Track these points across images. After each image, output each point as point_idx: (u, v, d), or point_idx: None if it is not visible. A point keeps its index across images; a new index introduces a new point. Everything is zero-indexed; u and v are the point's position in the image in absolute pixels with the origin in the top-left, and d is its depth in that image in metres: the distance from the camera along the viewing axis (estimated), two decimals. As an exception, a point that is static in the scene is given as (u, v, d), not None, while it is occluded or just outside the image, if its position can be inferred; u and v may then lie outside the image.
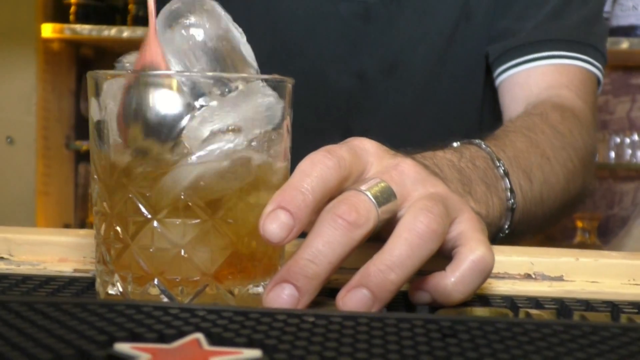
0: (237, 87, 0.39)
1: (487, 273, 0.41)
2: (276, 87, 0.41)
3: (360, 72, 0.81)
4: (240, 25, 0.42)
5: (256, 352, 0.26)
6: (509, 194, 0.58)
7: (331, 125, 0.81)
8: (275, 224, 0.37)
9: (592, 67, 0.79)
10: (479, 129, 0.84)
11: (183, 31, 0.39)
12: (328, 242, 0.37)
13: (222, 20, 0.41)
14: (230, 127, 0.39)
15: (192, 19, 0.40)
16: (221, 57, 0.41)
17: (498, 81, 0.81)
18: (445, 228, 0.40)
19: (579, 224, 1.86)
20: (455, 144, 0.59)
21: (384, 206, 0.39)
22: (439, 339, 0.28)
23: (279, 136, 0.41)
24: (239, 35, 0.41)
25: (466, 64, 0.82)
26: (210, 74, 0.40)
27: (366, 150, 0.42)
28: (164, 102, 0.38)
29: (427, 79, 0.82)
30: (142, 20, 1.84)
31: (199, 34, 0.40)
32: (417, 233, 0.38)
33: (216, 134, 0.39)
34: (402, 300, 0.43)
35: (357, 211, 0.38)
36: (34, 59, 1.76)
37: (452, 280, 0.40)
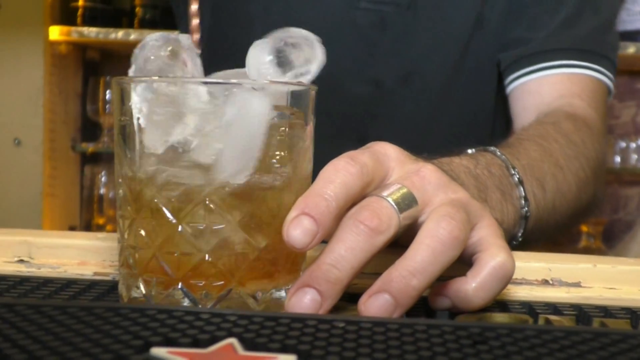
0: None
1: (507, 279, 0.41)
2: (300, 93, 0.41)
3: (377, 80, 0.82)
4: (257, 36, 0.43)
5: (291, 357, 0.26)
6: (523, 202, 0.58)
7: (346, 132, 0.82)
8: (299, 229, 0.37)
9: (603, 76, 0.79)
10: (491, 137, 0.84)
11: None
12: (350, 248, 0.38)
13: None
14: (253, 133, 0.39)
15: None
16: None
17: (509, 89, 0.81)
18: (467, 234, 0.40)
19: (584, 228, 1.86)
20: (470, 151, 0.60)
21: (405, 212, 0.40)
22: (469, 346, 0.28)
23: (302, 142, 0.42)
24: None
25: (479, 72, 0.83)
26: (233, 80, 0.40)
27: (388, 156, 0.42)
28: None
29: (442, 87, 0.82)
30: (148, 23, 1.84)
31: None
32: (439, 239, 0.39)
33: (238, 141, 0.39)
34: (421, 305, 0.44)
35: (379, 217, 0.38)
36: (42, 61, 1.77)
37: (473, 286, 0.40)
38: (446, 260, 0.39)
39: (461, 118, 0.84)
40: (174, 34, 0.42)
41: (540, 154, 0.64)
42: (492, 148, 0.60)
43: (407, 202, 0.40)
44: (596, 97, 0.78)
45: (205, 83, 0.39)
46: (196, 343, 0.28)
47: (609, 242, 1.94)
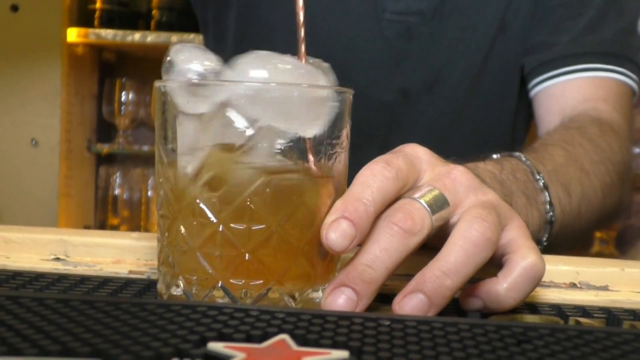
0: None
1: (538, 280, 0.42)
2: (338, 97, 0.42)
3: (403, 89, 0.83)
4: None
5: (344, 353, 0.27)
6: (548, 207, 0.59)
7: (370, 139, 0.82)
8: (338, 232, 0.38)
9: (628, 79, 0.79)
10: (512, 141, 0.85)
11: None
12: (385, 249, 0.39)
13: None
14: (296, 136, 0.40)
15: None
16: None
17: (533, 93, 0.82)
18: (498, 236, 0.41)
19: (597, 233, 1.86)
20: (495, 156, 0.60)
21: (437, 214, 0.41)
22: (514, 345, 0.29)
23: (340, 144, 0.42)
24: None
25: (502, 77, 0.83)
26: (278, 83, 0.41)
27: (420, 159, 0.43)
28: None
29: (465, 92, 0.83)
30: (165, 25, 1.86)
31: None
32: (472, 241, 0.40)
33: (282, 143, 0.40)
34: (453, 307, 0.44)
35: (413, 219, 0.39)
36: (59, 63, 1.78)
37: (505, 287, 0.41)
38: (479, 261, 0.40)
39: (483, 123, 0.84)
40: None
41: (566, 159, 0.65)
42: (517, 153, 0.61)
43: (439, 203, 0.41)
44: (621, 101, 0.78)
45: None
46: (249, 339, 0.29)
47: (622, 247, 1.94)
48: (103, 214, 2.00)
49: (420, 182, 0.43)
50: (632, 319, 0.43)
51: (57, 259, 0.52)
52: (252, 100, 0.38)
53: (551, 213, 0.59)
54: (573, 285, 0.50)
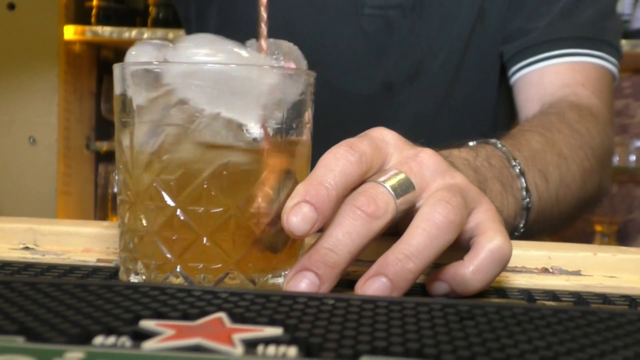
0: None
1: (504, 262, 0.41)
2: (299, 79, 0.41)
3: (385, 83, 0.82)
4: None
5: (277, 330, 0.27)
6: (524, 193, 0.58)
7: (353, 133, 0.82)
8: (299, 216, 0.37)
9: (607, 63, 0.79)
10: (494, 130, 0.84)
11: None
12: (348, 233, 0.38)
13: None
14: (247, 117, 0.40)
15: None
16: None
17: (512, 80, 0.81)
18: (463, 219, 0.41)
19: (598, 228, 1.85)
20: (471, 144, 0.60)
21: (402, 197, 0.40)
22: (456, 322, 0.28)
23: (300, 127, 0.42)
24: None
25: (482, 66, 0.83)
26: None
27: (386, 142, 0.43)
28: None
29: (447, 83, 0.83)
30: (161, 22, 1.86)
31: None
32: (435, 224, 0.39)
33: (239, 123, 0.40)
34: (419, 291, 0.44)
35: (376, 203, 0.39)
36: (56, 60, 1.78)
37: (471, 269, 0.41)
38: (442, 244, 0.39)
39: (465, 113, 0.84)
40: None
41: (543, 145, 0.64)
42: (493, 140, 0.60)
43: (404, 187, 0.41)
44: (601, 85, 0.78)
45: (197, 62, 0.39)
46: (186, 317, 0.28)
47: (624, 242, 1.93)
48: (102, 212, 2.00)
49: (386, 165, 0.43)
50: (601, 303, 0.43)
51: (26, 247, 0.51)
52: (195, 81, 0.38)
53: (528, 199, 0.58)
54: (545, 270, 0.49)
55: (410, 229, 0.40)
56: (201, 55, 0.39)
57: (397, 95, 0.82)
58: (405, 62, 0.82)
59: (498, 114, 0.85)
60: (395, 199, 0.40)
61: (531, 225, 0.60)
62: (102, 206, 2.00)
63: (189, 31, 0.93)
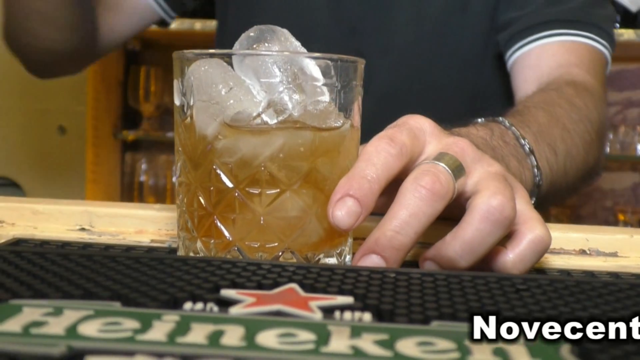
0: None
1: (544, 251, 0.43)
2: (348, 67, 0.43)
3: (358, 51, 0.85)
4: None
5: (349, 299, 0.29)
6: (536, 170, 0.60)
7: None
8: (343, 210, 0.38)
9: (598, 44, 0.82)
10: (471, 112, 0.87)
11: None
12: (414, 214, 0.38)
13: (292, 45, 0.44)
14: (304, 102, 0.42)
15: (267, 44, 0.44)
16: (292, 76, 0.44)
17: (509, 64, 0.85)
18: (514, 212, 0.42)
19: (621, 217, 1.85)
20: (480, 120, 0.61)
21: (458, 179, 0.41)
22: (513, 292, 0.30)
23: (352, 113, 0.44)
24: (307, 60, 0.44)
25: (461, 53, 0.87)
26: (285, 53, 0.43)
27: (423, 130, 0.44)
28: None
29: (419, 62, 0.87)
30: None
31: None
32: (490, 220, 0.40)
33: (292, 111, 0.42)
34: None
35: (440, 182, 0.39)
36: (85, 50, 1.81)
37: (511, 257, 0.42)
38: (498, 235, 0.40)
39: (439, 94, 0.88)
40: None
41: (548, 119, 0.66)
42: (500, 119, 0.61)
43: (459, 169, 0.42)
44: (594, 66, 0.80)
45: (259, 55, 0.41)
46: (260, 287, 0.30)
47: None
48: (129, 200, 2.03)
49: (424, 154, 0.44)
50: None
51: (83, 229, 0.54)
52: (259, 68, 0.40)
53: (538, 177, 0.60)
54: (582, 252, 0.51)
55: (467, 219, 0.40)
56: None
57: (369, 64, 0.86)
58: (378, 35, 0.87)
59: (478, 97, 0.90)
60: (454, 179, 0.41)
61: (543, 198, 0.61)
62: (129, 194, 2.03)
63: (226, 16, 0.97)
